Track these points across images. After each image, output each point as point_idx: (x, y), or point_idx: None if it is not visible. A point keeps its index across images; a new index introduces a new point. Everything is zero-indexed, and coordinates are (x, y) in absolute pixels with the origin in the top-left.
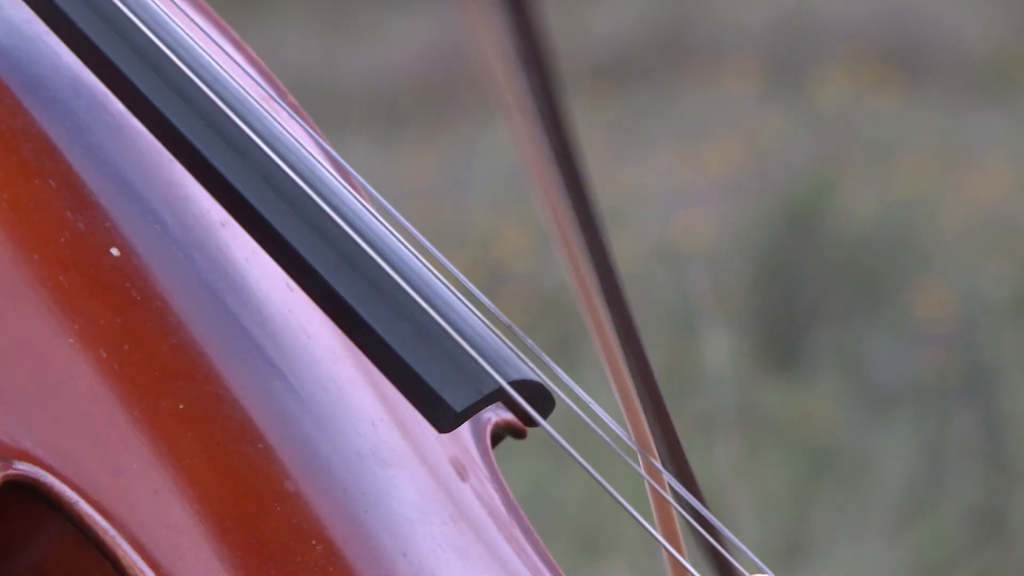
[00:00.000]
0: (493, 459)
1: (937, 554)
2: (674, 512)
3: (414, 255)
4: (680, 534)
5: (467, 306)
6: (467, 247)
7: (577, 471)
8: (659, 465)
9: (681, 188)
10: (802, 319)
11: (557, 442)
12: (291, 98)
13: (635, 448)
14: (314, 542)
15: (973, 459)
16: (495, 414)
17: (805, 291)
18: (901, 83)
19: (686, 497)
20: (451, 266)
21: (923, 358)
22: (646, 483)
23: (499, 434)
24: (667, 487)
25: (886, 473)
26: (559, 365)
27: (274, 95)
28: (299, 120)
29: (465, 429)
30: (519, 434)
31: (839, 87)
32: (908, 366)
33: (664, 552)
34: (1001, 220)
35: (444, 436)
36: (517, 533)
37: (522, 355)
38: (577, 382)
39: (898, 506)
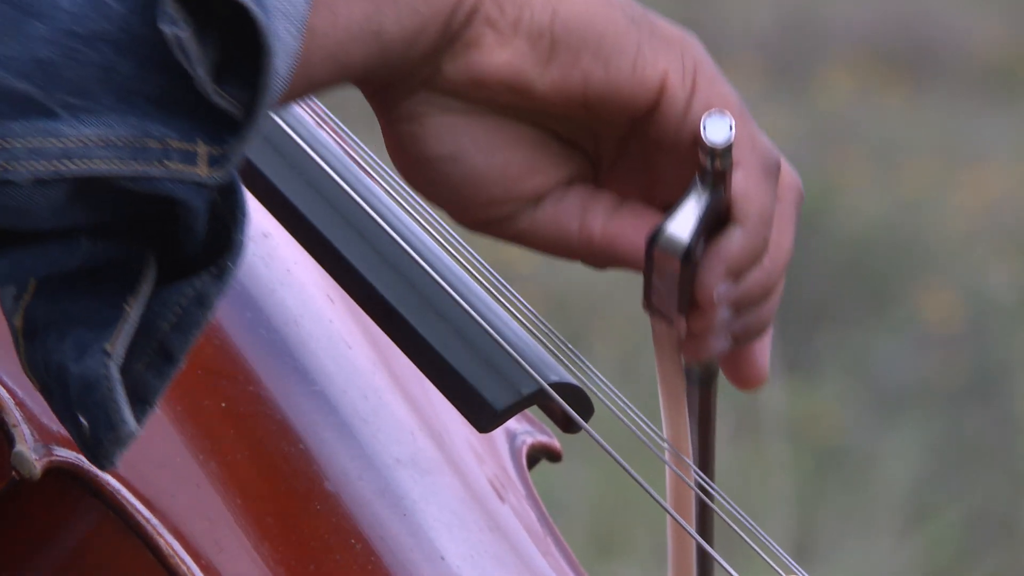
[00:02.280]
0: (529, 479)
1: (944, 556)
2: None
3: (456, 259)
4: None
5: (509, 309)
6: (473, 248)
7: (585, 474)
8: (697, 470)
9: None
10: (808, 320)
11: (600, 446)
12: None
13: (670, 449)
14: (353, 541)
15: (980, 461)
16: (530, 436)
17: (810, 292)
18: (906, 84)
19: (719, 500)
20: (489, 269)
21: (929, 359)
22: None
23: (535, 456)
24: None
25: (893, 475)
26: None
27: None
28: (315, 110)
29: (503, 448)
30: (554, 457)
31: (843, 88)
32: (914, 367)
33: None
34: (1006, 221)
35: (483, 454)
36: (552, 549)
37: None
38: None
39: (905, 508)
